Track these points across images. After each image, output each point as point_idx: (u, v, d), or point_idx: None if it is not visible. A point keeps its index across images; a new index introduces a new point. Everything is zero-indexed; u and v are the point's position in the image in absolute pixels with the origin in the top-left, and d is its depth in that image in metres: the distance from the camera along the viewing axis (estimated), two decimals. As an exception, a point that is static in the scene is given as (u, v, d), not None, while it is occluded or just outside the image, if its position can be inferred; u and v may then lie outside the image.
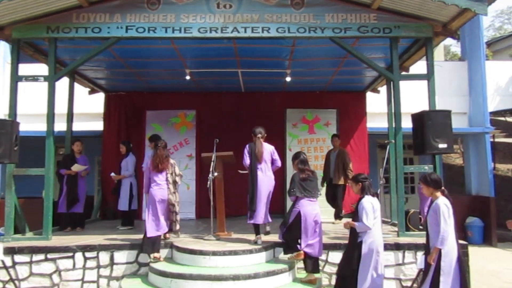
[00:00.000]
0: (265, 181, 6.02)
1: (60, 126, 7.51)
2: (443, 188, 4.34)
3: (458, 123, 10.61)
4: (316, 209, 5.35)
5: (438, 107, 6.40)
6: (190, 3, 6.32)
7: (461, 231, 10.28)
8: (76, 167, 7.26)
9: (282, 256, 5.73)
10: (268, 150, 6.20)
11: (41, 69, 7.31)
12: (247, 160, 6.09)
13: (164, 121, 9.76)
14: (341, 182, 8.05)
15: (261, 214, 5.94)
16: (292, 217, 5.34)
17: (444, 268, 4.13)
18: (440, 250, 4.15)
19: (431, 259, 4.19)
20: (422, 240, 5.70)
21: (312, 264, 5.31)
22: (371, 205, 4.62)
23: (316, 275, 5.41)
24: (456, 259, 4.18)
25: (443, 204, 4.19)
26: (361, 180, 4.81)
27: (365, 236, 4.59)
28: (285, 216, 5.71)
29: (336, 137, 8.51)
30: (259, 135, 6.11)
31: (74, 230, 7.21)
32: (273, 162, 6.23)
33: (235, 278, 5.02)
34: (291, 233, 5.36)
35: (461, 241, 5.11)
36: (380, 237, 4.70)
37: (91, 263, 5.77)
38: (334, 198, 8.16)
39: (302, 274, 5.54)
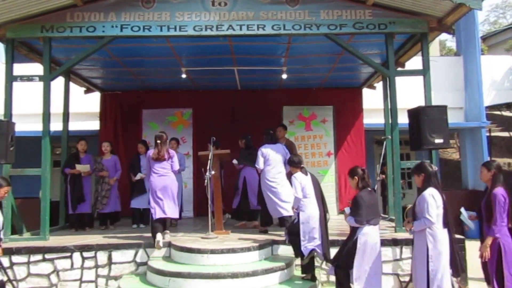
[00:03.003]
0: None
1: (56, 126, 7.49)
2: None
3: (454, 118, 10.65)
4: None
5: (434, 102, 6.41)
6: (185, 1, 6.30)
7: (458, 225, 10.30)
8: (79, 167, 7.24)
9: (281, 253, 5.76)
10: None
11: (36, 68, 7.28)
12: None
13: (161, 120, 9.76)
14: None
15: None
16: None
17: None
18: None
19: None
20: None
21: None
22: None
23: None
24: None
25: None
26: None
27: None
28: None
29: (281, 127, 7.87)
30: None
31: (84, 230, 7.21)
32: None
33: (234, 276, 5.02)
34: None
35: (458, 236, 5.14)
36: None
37: (89, 263, 5.76)
38: None
39: (300, 271, 5.57)
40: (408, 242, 5.79)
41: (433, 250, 4.15)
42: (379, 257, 4.59)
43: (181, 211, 8.23)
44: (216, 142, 7.01)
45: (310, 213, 5.23)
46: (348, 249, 4.56)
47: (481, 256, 4.64)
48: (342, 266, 4.58)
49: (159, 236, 5.84)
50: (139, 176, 7.60)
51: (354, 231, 4.59)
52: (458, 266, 4.25)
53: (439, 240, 4.16)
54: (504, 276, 4.43)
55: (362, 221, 4.47)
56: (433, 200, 4.16)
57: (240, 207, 7.44)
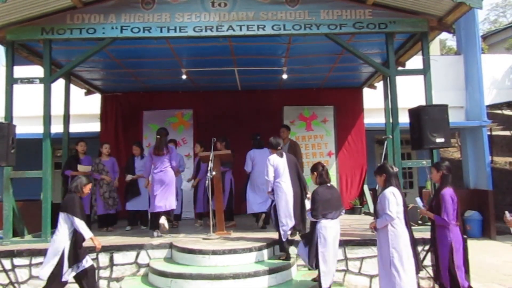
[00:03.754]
0: None
1: (56, 128, 7.49)
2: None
3: (455, 117, 10.62)
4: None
5: (435, 101, 6.40)
6: (185, 2, 6.30)
7: (460, 224, 10.30)
8: (81, 168, 7.24)
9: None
10: None
11: (37, 71, 7.28)
12: None
13: (161, 121, 9.74)
14: None
15: None
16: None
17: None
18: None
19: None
20: (420, 235, 5.74)
21: None
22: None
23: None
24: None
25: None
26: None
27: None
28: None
29: (285, 128, 7.90)
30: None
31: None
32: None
33: (235, 276, 5.02)
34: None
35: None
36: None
37: (90, 265, 5.74)
38: None
39: (302, 272, 5.56)
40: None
41: (395, 247, 4.33)
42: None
43: (181, 212, 8.22)
44: (226, 140, 7.43)
45: (285, 192, 5.56)
46: (310, 244, 4.87)
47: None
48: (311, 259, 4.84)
49: (162, 219, 6.19)
50: (130, 177, 7.56)
51: (313, 225, 4.90)
52: (418, 263, 4.50)
53: (401, 236, 4.35)
54: (457, 275, 4.52)
55: (317, 215, 4.78)
56: (394, 197, 4.37)
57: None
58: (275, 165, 5.67)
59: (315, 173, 5.00)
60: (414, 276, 4.39)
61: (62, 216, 4.85)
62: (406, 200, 4.63)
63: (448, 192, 4.60)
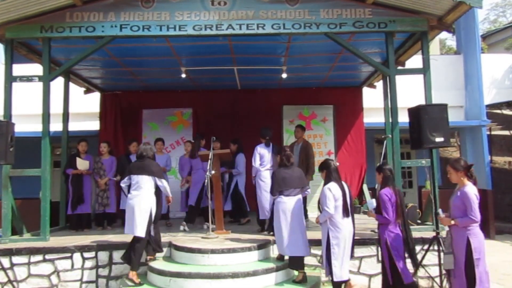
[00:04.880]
0: None
1: (56, 126, 7.48)
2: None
3: (455, 117, 10.63)
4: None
5: (434, 101, 6.40)
6: (185, 0, 6.29)
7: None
8: (80, 162, 7.23)
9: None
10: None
11: (36, 69, 7.27)
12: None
13: (161, 120, 9.75)
14: None
15: None
16: None
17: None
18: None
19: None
20: (420, 234, 5.75)
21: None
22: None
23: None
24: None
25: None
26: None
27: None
28: None
29: (300, 128, 7.94)
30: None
31: (82, 230, 7.19)
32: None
33: (234, 275, 5.01)
34: None
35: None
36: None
37: (89, 263, 5.75)
38: None
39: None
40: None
41: (333, 238, 4.83)
42: (301, 224, 5.30)
43: (168, 211, 7.92)
44: (238, 140, 7.70)
45: (266, 178, 6.36)
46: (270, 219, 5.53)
47: None
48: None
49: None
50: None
51: (273, 203, 5.53)
52: (415, 262, 4.94)
53: (338, 228, 4.83)
54: (399, 269, 4.65)
55: (274, 192, 5.44)
56: (331, 193, 4.84)
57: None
58: (261, 154, 6.58)
59: (279, 156, 5.63)
60: (347, 266, 4.88)
61: (146, 179, 5.47)
62: (404, 200, 4.86)
63: (385, 191, 4.80)
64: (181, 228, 7.11)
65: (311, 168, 7.45)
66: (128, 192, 5.59)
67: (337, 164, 5.06)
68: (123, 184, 5.73)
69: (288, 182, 5.37)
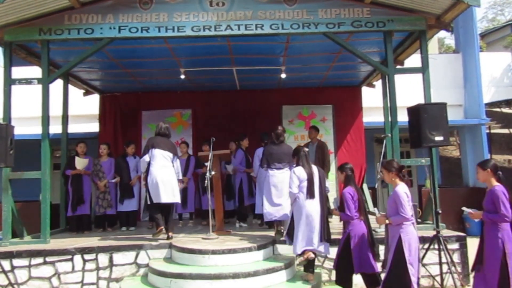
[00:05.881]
0: None
1: (55, 128, 7.48)
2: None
3: (454, 115, 10.64)
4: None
5: (434, 99, 6.40)
6: (183, 1, 6.29)
7: (459, 222, 10.31)
8: (78, 162, 7.23)
9: (282, 253, 5.77)
10: None
11: (35, 71, 7.27)
12: None
13: (160, 121, 9.70)
14: None
15: None
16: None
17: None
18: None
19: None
20: (421, 233, 5.73)
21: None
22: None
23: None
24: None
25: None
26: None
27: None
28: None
29: (314, 129, 8.09)
30: None
31: (82, 232, 7.19)
32: None
33: (235, 276, 5.01)
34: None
35: (459, 233, 5.16)
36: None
37: (90, 265, 5.75)
38: None
39: (302, 271, 5.56)
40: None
41: (297, 216, 5.21)
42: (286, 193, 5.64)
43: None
44: (243, 135, 7.86)
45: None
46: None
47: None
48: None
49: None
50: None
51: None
52: (324, 232, 5.13)
53: (302, 207, 5.17)
54: (353, 262, 4.79)
55: (263, 165, 6.19)
56: (295, 175, 5.27)
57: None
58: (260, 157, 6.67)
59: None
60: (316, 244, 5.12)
61: (171, 156, 6.32)
62: (311, 175, 5.29)
63: (347, 190, 4.93)
64: (237, 225, 7.54)
65: (327, 166, 7.67)
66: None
67: (306, 150, 5.47)
68: (147, 159, 6.23)
69: (275, 157, 6.09)
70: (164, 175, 6.14)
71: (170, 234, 6.12)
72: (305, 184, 5.21)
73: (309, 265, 5.27)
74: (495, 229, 4.19)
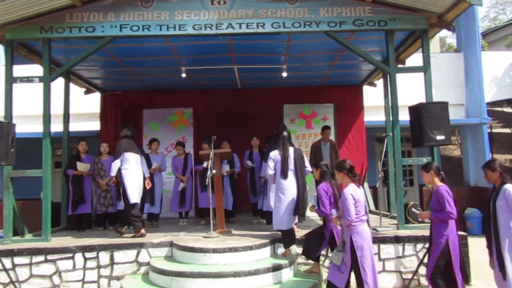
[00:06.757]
0: None
1: (56, 127, 7.48)
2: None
3: (455, 115, 10.63)
4: None
5: (435, 99, 6.39)
6: (184, 0, 6.28)
7: (460, 222, 10.30)
8: (80, 166, 7.23)
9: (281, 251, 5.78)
10: None
11: (36, 70, 7.27)
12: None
13: (161, 120, 9.75)
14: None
15: None
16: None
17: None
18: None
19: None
20: (421, 233, 5.75)
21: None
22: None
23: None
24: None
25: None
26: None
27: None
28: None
29: (328, 129, 8.18)
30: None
31: (83, 231, 7.20)
32: None
33: (236, 275, 5.01)
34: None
35: (460, 232, 5.14)
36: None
37: (91, 264, 5.75)
38: None
39: (303, 269, 5.56)
40: (411, 239, 5.81)
41: (276, 194, 5.66)
42: None
43: (160, 211, 8.05)
44: (253, 135, 7.89)
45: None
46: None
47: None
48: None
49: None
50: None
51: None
52: (298, 207, 5.51)
53: (279, 186, 5.60)
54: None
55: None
56: (270, 158, 5.69)
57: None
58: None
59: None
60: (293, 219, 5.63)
61: (140, 158, 6.68)
62: (285, 157, 5.67)
63: (322, 186, 5.06)
64: (254, 221, 7.75)
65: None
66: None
67: (286, 133, 5.85)
68: (118, 164, 6.44)
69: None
70: (139, 177, 6.60)
71: (122, 230, 6.58)
72: (279, 165, 5.64)
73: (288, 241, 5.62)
74: (442, 227, 4.38)
